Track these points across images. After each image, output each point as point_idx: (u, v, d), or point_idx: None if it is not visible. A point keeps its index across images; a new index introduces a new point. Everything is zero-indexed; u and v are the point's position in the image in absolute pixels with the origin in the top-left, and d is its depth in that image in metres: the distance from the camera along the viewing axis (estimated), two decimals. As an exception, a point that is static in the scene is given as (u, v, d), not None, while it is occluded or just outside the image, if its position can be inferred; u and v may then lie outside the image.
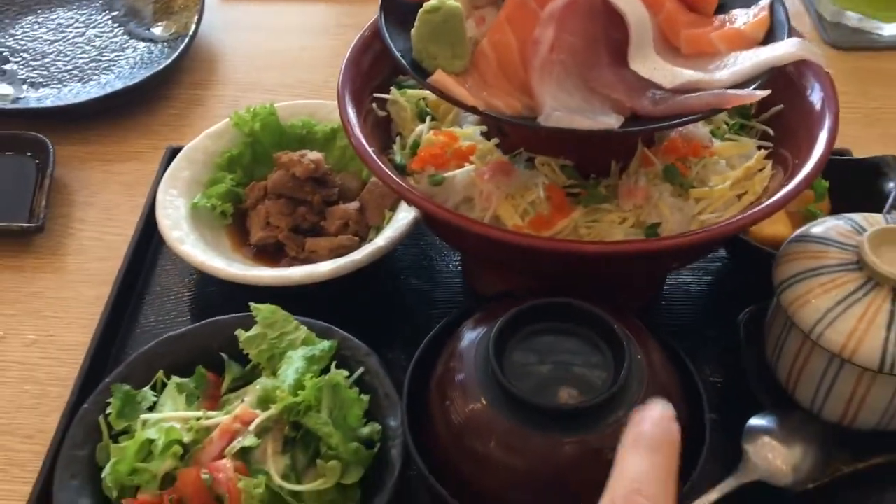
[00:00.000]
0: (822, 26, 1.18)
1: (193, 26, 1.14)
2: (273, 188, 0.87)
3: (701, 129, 0.75)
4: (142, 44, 1.16)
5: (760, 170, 0.74)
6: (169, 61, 1.09)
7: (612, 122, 0.60)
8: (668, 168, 0.71)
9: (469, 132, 0.76)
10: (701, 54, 0.66)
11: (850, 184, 0.85)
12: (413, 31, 0.64)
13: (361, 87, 0.77)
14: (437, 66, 0.64)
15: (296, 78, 1.15)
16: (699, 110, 0.61)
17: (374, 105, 0.77)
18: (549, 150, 0.72)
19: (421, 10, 0.63)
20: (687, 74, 0.63)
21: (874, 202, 0.82)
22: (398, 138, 0.78)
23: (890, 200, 0.79)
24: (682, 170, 0.72)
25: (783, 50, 0.63)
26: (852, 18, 1.16)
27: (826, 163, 0.68)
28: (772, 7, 0.68)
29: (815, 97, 0.74)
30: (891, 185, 0.82)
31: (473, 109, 0.62)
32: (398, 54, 0.66)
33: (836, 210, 0.86)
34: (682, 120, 0.61)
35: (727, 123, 0.78)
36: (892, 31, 1.15)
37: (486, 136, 0.75)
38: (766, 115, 0.78)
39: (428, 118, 0.78)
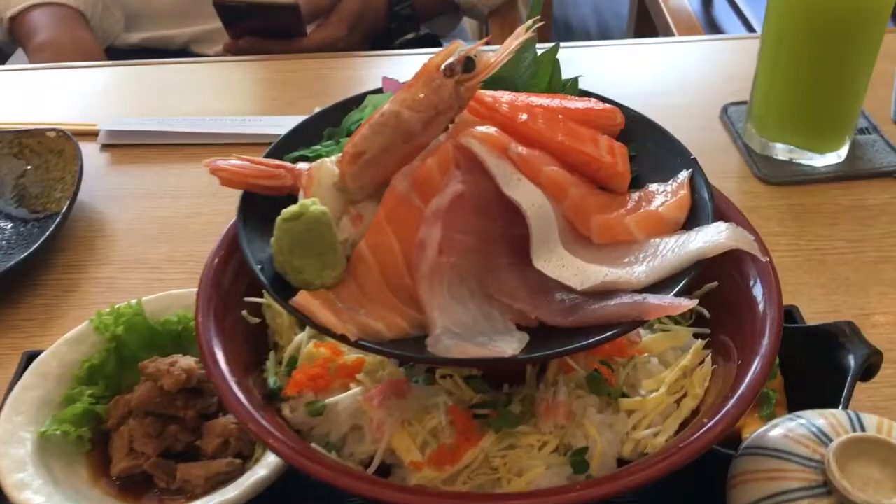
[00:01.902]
0: (751, 159, 1.11)
1: (68, 202, 1.02)
2: (138, 405, 0.74)
3: (626, 321, 0.64)
4: (9, 224, 1.04)
5: (700, 363, 0.63)
6: (36, 246, 0.96)
7: (509, 348, 0.49)
8: (591, 377, 0.60)
9: (356, 341, 0.64)
10: (616, 243, 0.56)
11: (804, 354, 0.75)
12: (272, 241, 0.53)
13: (228, 292, 0.65)
14: (304, 281, 0.53)
15: (185, 251, 1.03)
16: (616, 321, 0.51)
17: (245, 312, 0.65)
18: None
19: (279, 218, 0.52)
20: (600, 274, 0.53)
21: (832, 377, 0.72)
22: (273, 352, 0.65)
23: (847, 388, 0.69)
24: (607, 375, 0.61)
25: (710, 240, 0.54)
26: (782, 150, 1.10)
27: (773, 360, 0.58)
28: (692, 183, 0.59)
29: (752, 273, 0.65)
30: (850, 357, 0.72)
31: (343, 339, 0.50)
32: (257, 269, 0.54)
33: (789, 385, 0.76)
34: (595, 340, 0.50)
35: (656, 307, 0.67)
36: (826, 162, 1.08)
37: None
38: (700, 292, 0.68)
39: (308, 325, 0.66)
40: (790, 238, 1.01)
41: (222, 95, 1.34)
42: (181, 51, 1.64)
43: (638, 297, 0.51)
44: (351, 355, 0.63)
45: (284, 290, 0.53)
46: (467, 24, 1.93)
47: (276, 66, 1.40)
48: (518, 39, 0.55)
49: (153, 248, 1.04)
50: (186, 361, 0.76)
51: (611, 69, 1.35)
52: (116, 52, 1.61)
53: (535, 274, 0.53)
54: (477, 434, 0.58)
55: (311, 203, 0.52)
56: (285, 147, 0.63)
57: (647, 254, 0.55)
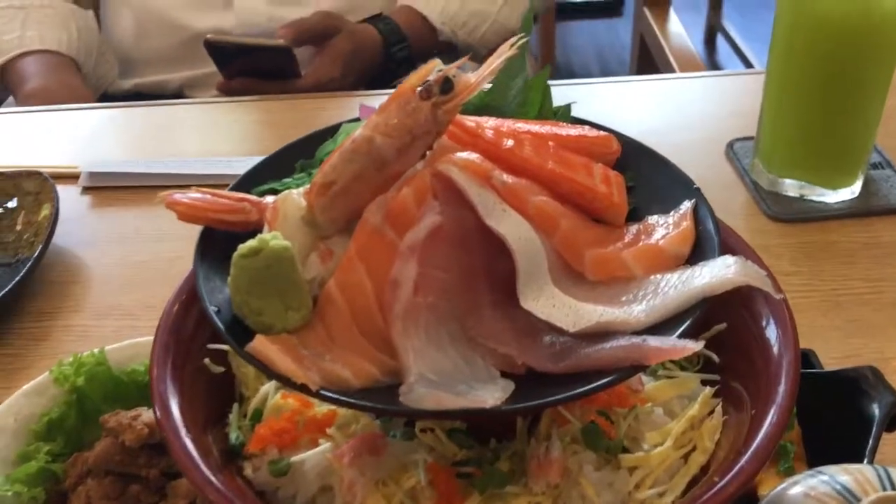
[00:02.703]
0: (759, 196, 1.06)
1: (41, 246, 0.97)
2: (97, 463, 0.68)
3: (626, 366, 0.58)
4: (-21, 269, 0.99)
5: (709, 413, 0.57)
6: (4, 291, 0.91)
7: (491, 397, 0.44)
8: (588, 430, 0.54)
9: (329, 390, 0.58)
10: (612, 280, 0.51)
11: (823, 401, 0.69)
12: (229, 279, 0.48)
13: (191, 339, 0.60)
14: (264, 324, 0.47)
15: (161, 297, 0.97)
16: (613, 367, 0.45)
17: (208, 360, 0.60)
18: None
19: (235, 254, 0.47)
20: (594, 314, 0.48)
21: (854, 427, 0.66)
22: (237, 405, 0.60)
23: (872, 439, 0.62)
24: (605, 428, 0.55)
25: (717, 275, 0.48)
26: (792, 186, 1.04)
27: (791, 410, 0.52)
28: (696, 214, 0.53)
29: (765, 313, 0.59)
30: (874, 406, 0.66)
31: (304, 389, 0.44)
32: (212, 311, 0.49)
33: (807, 436, 0.69)
34: (589, 388, 0.44)
35: (660, 352, 0.61)
36: (839, 198, 1.03)
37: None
38: (707, 334, 0.62)
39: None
40: (803, 278, 0.95)
41: (214, 137, 1.30)
42: (175, 96, 1.61)
43: (637, 340, 0.46)
44: (322, 407, 0.57)
45: (243, 334, 0.48)
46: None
47: (267, 107, 1.36)
48: (501, 57, 0.50)
49: (129, 293, 0.99)
50: (150, 415, 0.70)
51: (612, 106, 1.31)
52: (110, 99, 1.58)
53: (522, 314, 0.48)
54: (460, 496, 0.52)
55: (271, 237, 0.47)
56: (253, 180, 0.59)
57: (647, 291, 0.49)
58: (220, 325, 0.48)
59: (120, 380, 0.75)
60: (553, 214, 0.51)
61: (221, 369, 0.61)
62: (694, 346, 0.45)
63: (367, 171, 0.50)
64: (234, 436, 0.57)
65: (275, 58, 1.39)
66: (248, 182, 0.58)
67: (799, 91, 0.98)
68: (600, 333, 0.47)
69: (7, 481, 0.68)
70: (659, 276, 0.50)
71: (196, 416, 0.55)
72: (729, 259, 0.49)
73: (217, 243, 0.53)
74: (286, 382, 0.45)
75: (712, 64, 3.00)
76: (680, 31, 1.91)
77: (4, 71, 1.50)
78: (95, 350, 0.75)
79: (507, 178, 0.50)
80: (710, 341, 0.62)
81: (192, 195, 0.53)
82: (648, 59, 2.03)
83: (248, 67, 1.40)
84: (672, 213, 0.54)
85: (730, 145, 1.16)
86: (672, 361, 0.61)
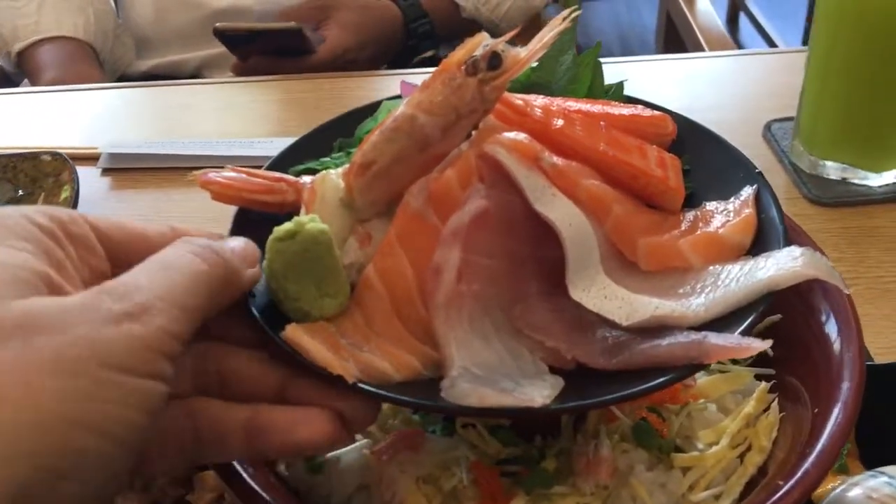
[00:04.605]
0: (799, 179, 1.02)
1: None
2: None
3: (678, 360, 0.55)
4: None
5: (764, 409, 0.54)
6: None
7: (539, 396, 0.41)
8: (638, 427, 0.51)
9: (364, 382, 0.55)
10: (667, 270, 0.48)
11: (876, 397, 0.66)
12: (264, 263, 0.45)
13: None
14: (300, 310, 0.45)
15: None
16: (668, 365, 0.42)
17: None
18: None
19: (271, 237, 0.44)
20: (649, 306, 0.45)
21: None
22: (269, 396, 0.57)
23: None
24: (657, 426, 0.52)
25: (784, 267, 0.45)
26: (834, 169, 1.01)
27: (857, 408, 0.49)
28: (757, 200, 0.50)
29: (823, 306, 0.56)
30: (930, 400, 0.63)
31: (341, 381, 0.42)
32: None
33: (860, 433, 0.66)
34: (644, 387, 0.42)
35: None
36: (883, 181, 0.99)
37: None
38: (761, 326, 0.59)
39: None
40: (847, 265, 0.91)
41: (232, 117, 1.27)
42: (192, 77, 1.58)
43: (696, 336, 0.43)
44: (358, 400, 0.54)
45: (279, 321, 0.45)
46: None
47: (287, 87, 1.33)
48: (553, 31, 0.47)
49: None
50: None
51: (642, 87, 1.27)
52: (127, 81, 1.56)
53: (571, 306, 0.45)
54: (505, 496, 0.49)
55: (308, 220, 0.44)
56: (290, 159, 0.55)
57: (706, 283, 0.46)
58: (254, 310, 0.45)
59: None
60: (605, 199, 0.48)
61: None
62: (760, 344, 0.41)
63: (408, 151, 0.47)
64: (265, 430, 0.54)
65: (286, 40, 1.37)
66: (285, 161, 0.55)
67: (844, 69, 0.94)
68: (656, 328, 0.44)
69: (29, 473, 0.66)
70: (718, 267, 0.47)
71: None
72: (796, 250, 0.46)
73: (251, 225, 0.50)
74: (322, 372, 0.42)
75: (736, 43, 2.94)
76: (708, 8, 1.86)
77: (21, 57, 1.48)
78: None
79: (557, 160, 0.47)
80: (763, 333, 0.59)
81: (228, 174, 0.50)
82: (675, 39, 1.98)
83: (260, 51, 1.38)
84: (732, 199, 0.50)
85: (767, 126, 1.12)
86: (726, 356, 0.58)
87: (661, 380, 0.42)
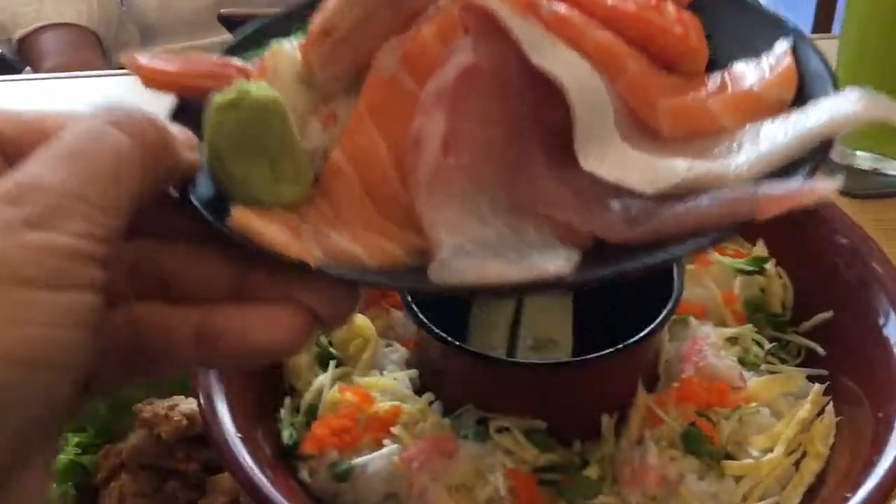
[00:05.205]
0: (829, 170, 0.98)
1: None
2: (131, 457, 0.62)
3: (725, 361, 0.51)
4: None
5: (818, 414, 0.51)
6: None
7: (553, 266, 0.33)
8: (688, 433, 0.47)
9: (391, 383, 0.52)
10: (695, 135, 0.39)
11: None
12: (204, 141, 0.36)
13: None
14: (251, 197, 0.36)
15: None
16: (711, 225, 0.33)
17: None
18: (508, 399, 0.48)
19: (209, 107, 0.36)
20: (680, 168, 0.36)
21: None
22: (288, 398, 0.54)
23: None
24: (707, 431, 0.48)
25: (840, 110, 0.35)
26: (865, 159, 0.97)
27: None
28: (795, 52, 0.40)
29: (881, 301, 0.52)
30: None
31: (302, 265, 0.33)
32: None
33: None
34: (686, 248, 0.33)
35: (758, 343, 0.55)
36: (917, 172, 0.96)
37: (420, 386, 0.52)
38: (809, 324, 0.56)
39: (332, 364, 0.54)
40: (882, 259, 0.88)
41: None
42: (197, 64, 1.56)
43: (744, 190, 0.33)
44: (384, 403, 0.51)
45: (227, 214, 0.35)
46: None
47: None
48: None
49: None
50: (189, 405, 0.64)
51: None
52: (132, 69, 1.54)
53: (582, 178, 0.36)
54: (545, 507, 0.46)
55: (254, 87, 0.36)
56: (242, 49, 0.44)
57: (746, 142, 0.37)
58: (195, 201, 0.35)
59: (153, 365, 0.69)
60: (618, 53, 0.39)
61: (270, 359, 0.55)
62: (827, 185, 0.32)
63: (376, 8, 0.39)
64: (286, 434, 0.51)
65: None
66: (239, 49, 0.44)
67: (877, 55, 0.91)
68: (687, 194, 0.35)
69: (34, 476, 0.62)
70: (758, 125, 0.37)
71: (244, 410, 0.49)
72: (852, 92, 0.36)
73: (192, 126, 0.38)
74: (278, 259, 0.34)
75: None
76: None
77: (22, 44, 1.45)
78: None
79: (559, 6, 0.38)
80: (813, 333, 0.56)
81: (163, 56, 0.41)
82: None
83: None
84: (764, 56, 0.40)
85: (794, 115, 1.09)
86: (772, 353, 0.54)
87: (705, 239, 0.33)
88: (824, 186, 0.32)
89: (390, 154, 0.37)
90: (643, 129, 0.39)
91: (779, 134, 0.36)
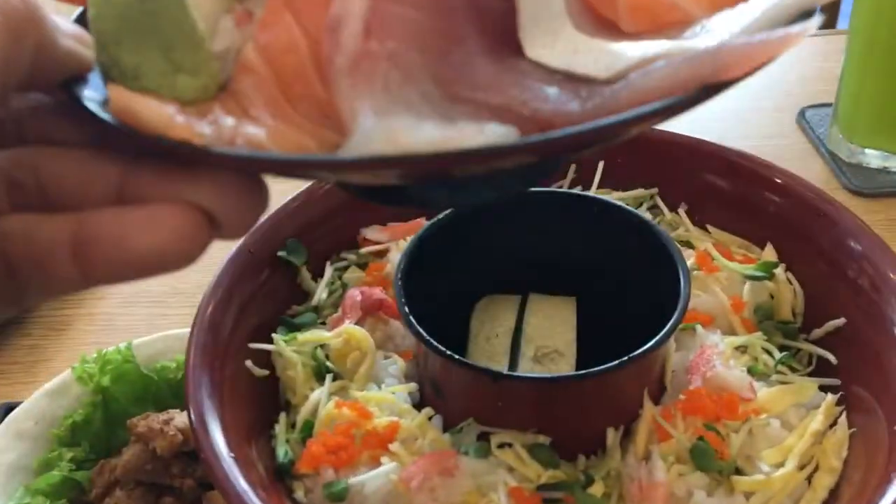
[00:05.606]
0: (838, 168, 0.96)
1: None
2: (125, 473, 0.61)
3: (734, 371, 0.50)
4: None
5: (831, 426, 0.49)
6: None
7: (483, 135, 0.27)
8: (697, 448, 0.46)
9: (389, 398, 0.50)
10: (659, 27, 0.34)
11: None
12: (90, 24, 0.32)
13: (231, 336, 0.53)
14: (143, 90, 0.32)
15: (193, 282, 0.90)
16: (670, 93, 0.28)
17: (250, 362, 0.53)
18: (510, 413, 0.47)
19: None
20: (642, 49, 0.31)
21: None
22: (283, 414, 0.52)
23: None
24: (715, 444, 0.46)
25: None
26: (875, 157, 0.95)
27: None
28: None
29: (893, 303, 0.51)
30: None
31: (187, 146, 0.28)
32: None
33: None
34: (645, 111, 0.27)
35: (768, 352, 0.53)
36: (929, 170, 0.94)
37: (420, 399, 0.50)
38: (821, 331, 0.54)
39: (329, 377, 0.52)
40: (894, 260, 0.86)
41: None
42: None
43: (705, 47, 0.29)
44: (382, 418, 0.49)
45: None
46: None
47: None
48: None
49: (157, 278, 0.91)
50: (184, 419, 0.63)
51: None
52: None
53: (529, 69, 0.32)
54: (549, 527, 0.44)
55: None
56: None
57: (718, 22, 0.32)
58: (73, 90, 0.31)
59: (149, 378, 0.67)
60: None
61: (265, 372, 0.53)
62: (798, 28, 0.27)
63: None
64: (281, 451, 0.49)
65: None
66: None
67: (888, 52, 0.89)
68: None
69: (27, 493, 0.61)
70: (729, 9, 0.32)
71: (237, 426, 0.48)
72: None
73: None
74: (159, 145, 0.28)
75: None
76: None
77: None
78: (122, 345, 0.68)
79: None
80: (824, 340, 0.54)
81: None
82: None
83: None
84: None
85: (801, 113, 1.06)
86: (783, 362, 0.53)
87: (661, 104, 0.27)
88: (796, 31, 0.27)
89: (310, 48, 0.32)
90: (600, 22, 0.34)
91: (752, 12, 0.31)
